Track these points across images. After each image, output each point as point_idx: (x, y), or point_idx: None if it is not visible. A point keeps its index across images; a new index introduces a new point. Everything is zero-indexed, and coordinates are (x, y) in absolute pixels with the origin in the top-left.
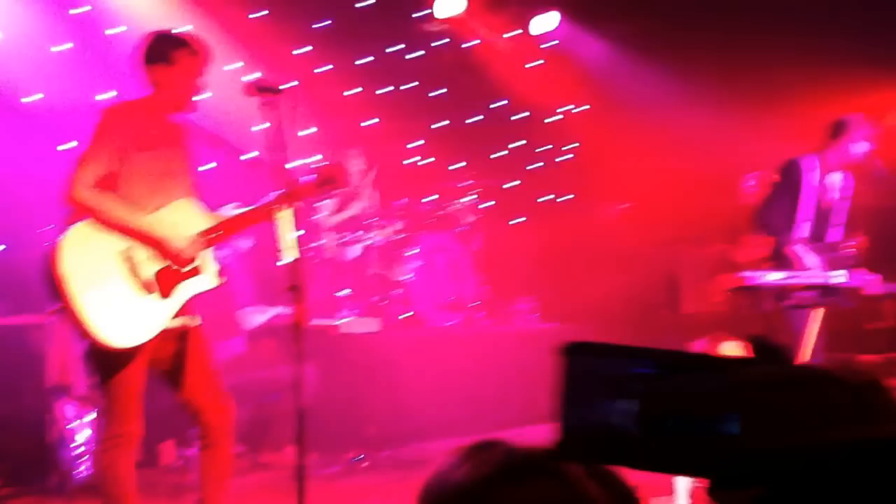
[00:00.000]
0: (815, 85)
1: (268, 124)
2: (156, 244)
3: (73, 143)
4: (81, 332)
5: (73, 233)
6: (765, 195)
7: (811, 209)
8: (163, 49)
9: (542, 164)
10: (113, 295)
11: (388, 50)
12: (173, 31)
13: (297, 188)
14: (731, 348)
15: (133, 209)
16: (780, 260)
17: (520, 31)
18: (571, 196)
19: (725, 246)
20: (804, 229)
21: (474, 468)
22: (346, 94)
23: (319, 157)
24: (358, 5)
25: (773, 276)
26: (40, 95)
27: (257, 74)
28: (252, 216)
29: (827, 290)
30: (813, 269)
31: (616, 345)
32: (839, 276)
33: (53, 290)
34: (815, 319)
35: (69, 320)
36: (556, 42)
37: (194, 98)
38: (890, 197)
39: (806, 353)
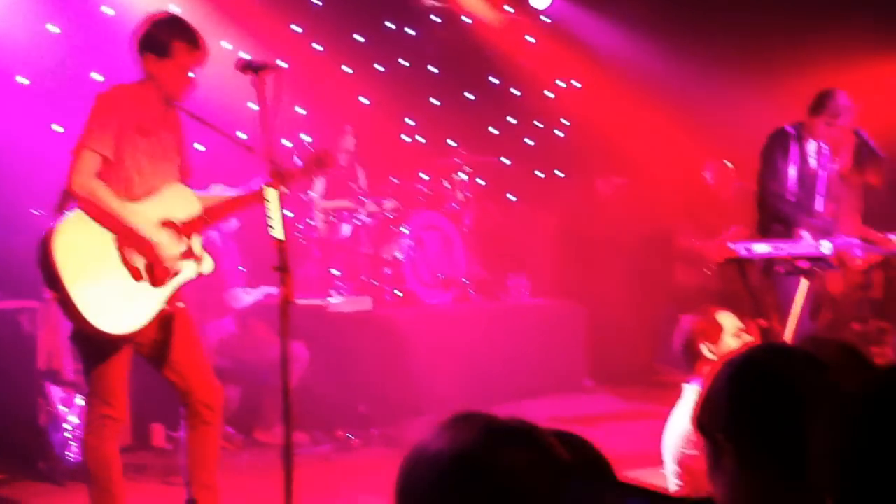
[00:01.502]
0: (811, 58)
1: (256, 103)
2: (146, 247)
3: (60, 127)
4: (75, 319)
5: (70, 219)
6: (761, 167)
7: (797, 178)
8: (160, 40)
9: (534, 142)
10: (107, 282)
11: (386, 25)
12: (172, 18)
13: (284, 172)
14: (725, 318)
15: (125, 197)
16: (776, 226)
17: (511, 8)
18: (563, 175)
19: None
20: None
21: (452, 438)
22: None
23: (309, 139)
24: None
25: (761, 248)
26: (26, 80)
27: (246, 52)
28: (238, 202)
29: (814, 260)
30: (802, 240)
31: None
32: (825, 246)
33: (48, 277)
34: (802, 289)
35: (63, 308)
36: (549, 20)
37: (187, 92)
38: (873, 169)
39: (793, 322)
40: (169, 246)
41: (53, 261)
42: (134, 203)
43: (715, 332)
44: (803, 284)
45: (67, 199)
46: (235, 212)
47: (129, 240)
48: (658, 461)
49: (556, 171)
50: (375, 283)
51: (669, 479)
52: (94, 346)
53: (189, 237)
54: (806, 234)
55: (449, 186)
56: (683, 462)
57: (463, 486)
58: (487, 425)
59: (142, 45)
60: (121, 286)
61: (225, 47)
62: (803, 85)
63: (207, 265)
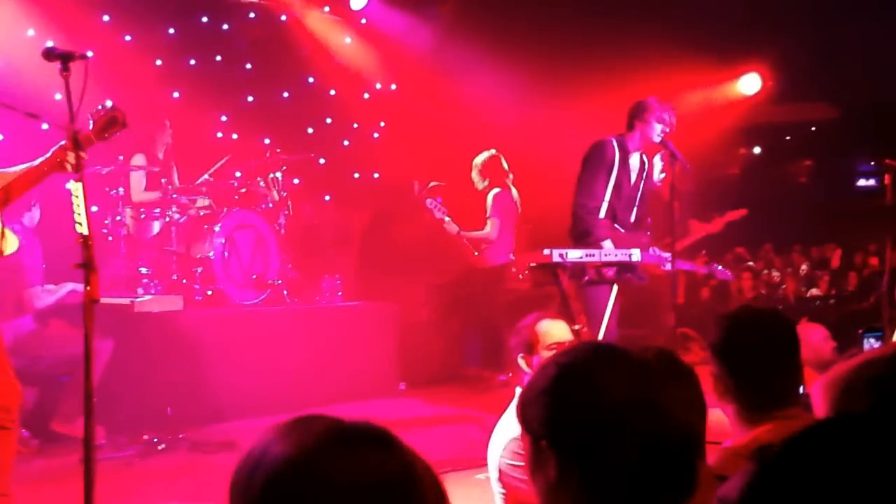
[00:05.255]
0: (625, 68)
1: (60, 94)
2: None
3: None
4: None
5: None
6: (578, 175)
7: (614, 189)
8: None
9: (350, 142)
10: None
11: (200, 19)
12: None
13: (81, 138)
14: (556, 327)
15: None
16: (583, 238)
17: (328, 8)
18: (377, 175)
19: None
20: (609, 208)
21: (300, 439)
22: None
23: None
24: None
25: (574, 254)
26: None
27: (54, 41)
28: (37, 171)
29: (623, 268)
30: (611, 248)
31: None
32: (635, 255)
33: None
34: (613, 296)
35: None
36: (364, 20)
37: None
38: (683, 180)
39: (602, 327)
40: None
41: None
42: None
43: (533, 345)
44: (614, 291)
45: None
46: (37, 181)
47: None
48: (472, 465)
49: (369, 174)
50: (185, 281)
51: (493, 485)
52: None
53: None
54: (608, 244)
55: (263, 185)
56: (504, 469)
57: (313, 493)
58: (336, 427)
59: None
60: None
61: (31, 35)
62: (624, 94)
63: (11, 244)
